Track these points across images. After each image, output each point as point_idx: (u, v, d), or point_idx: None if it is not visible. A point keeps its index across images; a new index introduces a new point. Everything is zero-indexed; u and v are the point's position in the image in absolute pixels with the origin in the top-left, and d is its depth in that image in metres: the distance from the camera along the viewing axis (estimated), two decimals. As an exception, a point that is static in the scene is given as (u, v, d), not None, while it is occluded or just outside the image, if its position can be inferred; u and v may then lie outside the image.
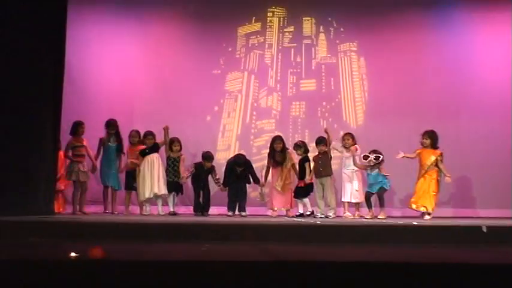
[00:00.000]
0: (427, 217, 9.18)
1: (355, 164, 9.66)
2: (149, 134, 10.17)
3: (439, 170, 9.38)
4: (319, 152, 9.82)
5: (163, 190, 9.94)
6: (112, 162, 10.18)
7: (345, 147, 9.77)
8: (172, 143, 10.10)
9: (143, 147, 10.16)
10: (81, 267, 4.62)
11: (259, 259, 5.17)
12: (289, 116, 11.30)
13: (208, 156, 10.02)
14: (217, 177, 10.02)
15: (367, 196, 9.64)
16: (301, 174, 9.89)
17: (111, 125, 10.15)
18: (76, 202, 9.93)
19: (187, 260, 5.05)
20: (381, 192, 9.55)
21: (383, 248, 6.34)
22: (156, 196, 10.00)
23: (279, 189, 9.86)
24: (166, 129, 10.07)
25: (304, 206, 9.92)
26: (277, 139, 10.01)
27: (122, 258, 5.13)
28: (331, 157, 9.81)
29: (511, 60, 11.09)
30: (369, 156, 9.48)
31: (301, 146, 9.93)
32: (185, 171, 10.03)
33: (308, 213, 9.78)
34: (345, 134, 9.92)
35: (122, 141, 10.25)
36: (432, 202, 9.33)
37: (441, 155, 9.40)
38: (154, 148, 10.09)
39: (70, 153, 9.95)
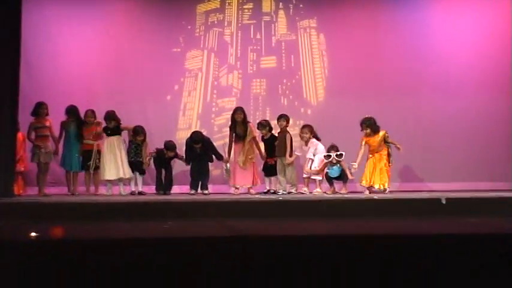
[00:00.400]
0: (383, 190, 9.35)
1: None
2: (110, 116, 10.02)
3: (389, 146, 9.54)
4: (280, 130, 9.88)
5: (127, 174, 9.93)
6: (73, 145, 10.05)
7: (304, 141, 9.84)
8: (137, 134, 9.98)
9: (98, 128, 10.06)
10: (42, 247, 4.57)
11: (221, 234, 5.18)
12: (250, 94, 11.27)
13: (170, 146, 9.99)
14: (181, 157, 10.04)
15: (327, 177, 9.75)
16: (270, 153, 9.95)
17: (71, 111, 10.03)
18: (41, 184, 9.84)
19: (150, 237, 5.04)
20: (342, 174, 9.69)
21: (345, 222, 6.42)
22: (120, 179, 9.98)
23: (241, 164, 9.81)
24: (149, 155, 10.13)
25: (270, 183, 9.99)
26: (238, 110, 9.99)
27: (83, 237, 5.10)
28: (291, 136, 9.87)
29: (471, 37, 11.27)
30: (330, 156, 9.59)
31: (265, 125, 9.96)
32: (147, 157, 10.05)
33: (272, 191, 9.83)
34: (303, 127, 9.94)
35: (83, 125, 10.07)
36: (387, 178, 9.49)
37: (386, 132, 9.57)
38: (117, 130, 9.98)
39: (32, 135, 9.83)
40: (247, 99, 10.95)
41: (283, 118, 9.93)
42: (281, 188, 9.75)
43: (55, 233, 4.97)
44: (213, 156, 9.99)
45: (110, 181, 10.01)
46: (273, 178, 9.99)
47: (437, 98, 11.15)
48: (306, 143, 9.83)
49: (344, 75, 11.24)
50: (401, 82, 11.15)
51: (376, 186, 9.48)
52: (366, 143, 9.62)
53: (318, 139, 9.82)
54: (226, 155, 10.01)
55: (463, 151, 11.03)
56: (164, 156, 9.99)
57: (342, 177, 9.66)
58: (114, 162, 9.89)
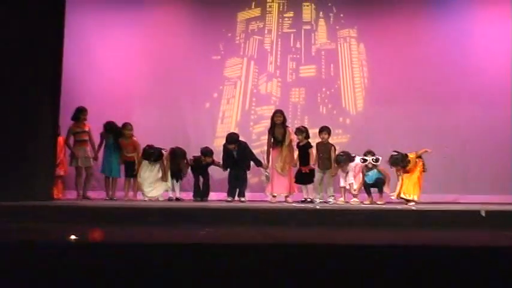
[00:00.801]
0: (411, 204, 9.15)
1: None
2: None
3: (421, 158, 9.44)
4: (323, 141, 9.82)
5: (161, 191, 10.13)
6: (113, 154, 10.17)
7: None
8: (175, 156, 10.10)
9: (135, 140, 10.19)
10: (81, 249, 4.61)
11: (258, 242, 5.16)
12: (289, 102, 11.25)
13: (207, 152, 10.05)
14: (218, 163, 10.07)
15: (365, 185, 9.66)
16: (304, 161, 9.83)
17: (108, 128, 10.14)
18: (79, 187, 10.02)
19: (186, 243, 5.04)
20: (378, 182, 9.58)
21: (382, 232, 6.35)
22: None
23: (279, 170, 9.73)
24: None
25: (306, 192, 9.84)
26: (277, 112, 9.96)
27: (121, 241, 5.12)
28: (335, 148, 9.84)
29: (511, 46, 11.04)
30: (366, 160, 9.55)
31: (303, 131, 9.87)
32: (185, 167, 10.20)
33: (309, 199, 9.69)
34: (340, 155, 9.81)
35: (120, 137, 10.17)
36: (418, 189, 9.36)
37: (415, 154, 9.41)
38: (158, 157, 10.07)
39: (71, 139, 10.02)
40: (286, 107, 10.91)
41: (325, 131, 9.81)
42: (318, 197, 9.67)
43: (94, 236, 5.00)
44: (251, 163, 9.97)
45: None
46: (309, 187, 9.84)
47: (475, 109, 10.97)
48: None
49: (383, 86, 11.15)
50: (440, 92, 11.00)
51: (406, 196, 9.33)
52: (402, 174, 9.49)
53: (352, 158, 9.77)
54: (265, 161, 9.96)
55: (501, 162, 10.81)
56: (201, 163, 10.03)
57: (378, 185, 9.55)
58: (150, 184, 10.05)
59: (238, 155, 9.83)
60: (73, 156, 9.99)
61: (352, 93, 11.37)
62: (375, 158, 9.54)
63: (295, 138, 9.89)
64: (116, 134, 10.13)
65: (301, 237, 5.64)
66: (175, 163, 10.07)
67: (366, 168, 9.60)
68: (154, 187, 10.05)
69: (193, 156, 10.13)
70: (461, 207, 8.48)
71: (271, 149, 9.89)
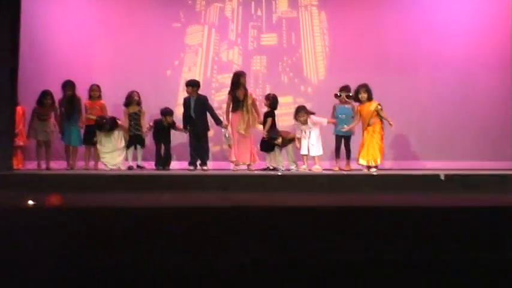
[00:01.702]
0: (373, 170, 9.25)
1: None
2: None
3: (381, 121, 9.49)
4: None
5: (120, 161, 9.99)
6: (71, 119, 9.95)
7: (301, 123, 9.70)
8: (130, 97, 10.02)
9: (103, 102, 10.07)
10: (39, 215, 4.58)
11: (219, 205, 5.19)
12: (250, 71, 11.16)
13: (167, 112, 9.99)
14: (179, 127, 10.01)
15: (337, 144, 9.74)
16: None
17: (67, 85, 9.93)
18: (40, 158, 9.88)
19: (146, 207, 5.04)
20: (347, 140, 9.70)
21: (340, 195, 6.43)
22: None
23: (243, 132, 9.62)
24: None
25: (270, 160, 9.81)
26: (244, 73, 9.96)
27: (80, 205, 5.10)
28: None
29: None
30: (340, 95, 9.70)
31: (268, 99, 9.85)
32: (145, 127, 10.06)
33: (271, 167, 9.64)
34: (299, 110, 9.75)
35: (79, 101, 10.00)
36: (378, 154, 9.44)
37: (379, 104, 9.49)
38: (113, 126, 9.94)
39: (35, 120, 9.83)
40: (247, 75, 10.87)
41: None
42: (280, 164, 9.70)
43: (52, 201, 4.96)
44: (209, 124, 9.86)
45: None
46: (272, 154, 9.80)
47: (436, 76, 11.04)
48: (304, 123, 9.75)
49: (345, 54, 11.16)
50: (401, 60, 11.05)
51: (364, 162, 9.38)
52: (359, 111, 9.55)
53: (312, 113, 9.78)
54: (225, 120, 9.87)
55: (461, 129, 10.98)
56: (163, 125, 9.96)
57: (347, 147, 9.67)
58: (110, 153, 9.95)
59: (196, 107, 9.72)
60: (34, 129, 9.80)
61: (313, 61, 11.38)
62: (347, 94, 9.66)
63: (256, 101, 9.92)
64: (74, 98, 9.93)
65: (262, 201, 5.68)
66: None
67: (339, 104, 9.73)
68: (113, 155, 9.95)
69: (154, 120, 10.07)
70: (422, 172, 8.62)
71: (231, 113, 9.78)
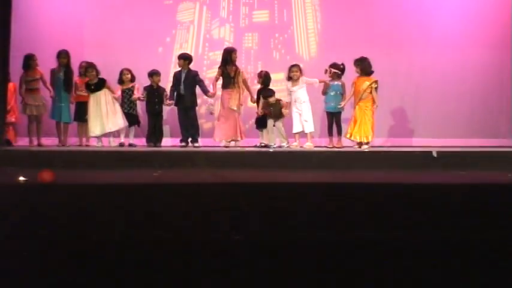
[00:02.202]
0: (365, 147, 9.25)
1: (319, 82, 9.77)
2: (89, 67, 9.82)
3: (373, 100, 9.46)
4: (269, 104, 9.68)
5: (114, 127, 9.81)
6: (62, 94, 9.85)
7: (293, 80, 9.71)
8: (122, 74, 9.93)
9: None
10: (29, 191, 4.58)
11: (210, 181, 5.20)
12: (242, 48, 11.10)
13: (154, 72, 9.90)
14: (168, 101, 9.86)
15: (329, 122, 9.71)
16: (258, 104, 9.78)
17: (62, 55, 9.84)
18: (32, 134, 9.80)
19: (138, 183, 5.05)
20: (338, 116, 9.65)
21: (335, 172, 6.45)
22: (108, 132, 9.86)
23: (235, 108, 9.54)
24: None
25: (262, 137, 9.80)
26: (235, 50, 9.89)
27: (72, 182, 5.10)
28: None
29: None
30: (330, 70, 9.65)
31: (261, 76, 9.84)
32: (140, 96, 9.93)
33: (263, 144, 9.64)
34: (293, 66, 9.83)
35: (72, 73, 9.92)
36: (370, 131, 9.42)
37: (376, 82, 9.46)
38: (100, 84, 9.78)
39: (23, 88, 9.70)
40: (239, 53, 10.66)
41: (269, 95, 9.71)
42: (272, 142, 9.67)
43: (43, 177, 4.96)
44: (197, 101, 9.88)
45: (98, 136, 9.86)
46: (265, 131, 9.77)
47: (430, 51, 11.04)
48: (296, 82, 9.71)
49: (337, 31, 11.12)
50: (394, 37, 11.01)
51: (356, 139, 9.37)
52: (354, 83, 9.50)
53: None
54: (212, 90, 9.87)
55: (454, 107, 10.99)
56: (154, 91, 9.87)
57: (338, 123, 9.63)
58: (99, 118, 9.72)
59: (186, 81, 9.67)
60: (25, 105, 9.72)
61: (305, 38, 11.35)
62: (334, 69, 9.63)
63: (248, 79, 9.92)
64: (67, 69, 9.84)
65: (253, 178, 5.69)
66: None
67: (329, 80, 9.68)
68: (99, 123, 9.73)
69: (144, 87, 9.95)
70: (414, 149, 8.65)
71: (222, 89, 9.74)
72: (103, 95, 9.78)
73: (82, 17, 11.02)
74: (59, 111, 9.88)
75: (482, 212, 4.31)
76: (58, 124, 9.98)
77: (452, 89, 11.02)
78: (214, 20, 11.26)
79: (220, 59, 10.08)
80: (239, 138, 9.71)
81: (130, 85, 9.97)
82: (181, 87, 9.71)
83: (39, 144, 9.69)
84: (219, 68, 9.78)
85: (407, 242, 3.93)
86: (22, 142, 10.12)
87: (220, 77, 9.74)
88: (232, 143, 9.73)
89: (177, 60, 9.88)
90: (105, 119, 9.74)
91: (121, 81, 9.99)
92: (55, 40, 10.56)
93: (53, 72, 9.89)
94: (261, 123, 9.84)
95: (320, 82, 9.79)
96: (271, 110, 9.62)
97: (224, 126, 9.69)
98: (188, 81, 9.72)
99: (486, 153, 8.02)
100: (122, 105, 9.87)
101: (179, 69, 9.92)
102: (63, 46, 10.11)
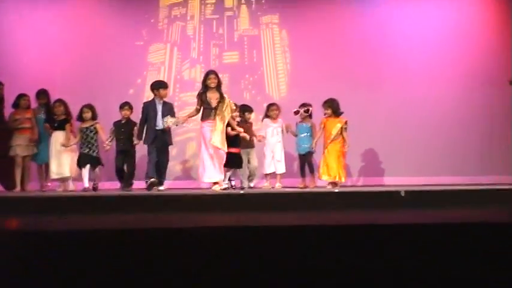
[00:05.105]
0: (336, 187, 9.28)
1: (287, 130, 9.75)
2: (57, 101, 9.51)
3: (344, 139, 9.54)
4: (245, 121, 9.54)
5: (59, 174, 9.35)
6: (42, 136, 9.60)
7: (272, 118, 9.78)
8: (82, 112, 9.27)
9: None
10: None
11: (180, 226, 5.15)
12: (213, 88, 11.21)
13: (124, 103, 9.37)
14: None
15: (301, 163, 9.74)
16: (235, 141, 8.99)
17: (41, 95, 9.69)
18: (16, 178, 9.38)
19: (101, 229, 4.99)
20: (310, 156, 9.70)
21: (307, 213, 6.43)
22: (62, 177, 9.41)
23: (219, 145, 8.53)
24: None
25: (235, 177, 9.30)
26: (211, 73, 8.87)
27: (35, 229, 5.03)
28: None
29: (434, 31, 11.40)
30: (299, 111, 9.71)
31: (249, 110, 9.69)
32: (108, 139, 9.20)
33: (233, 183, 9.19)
34: (271, 105, 9.92)
35: (52, 113, 9.59)
36: (342, 171, 9.49)
37: (346, 122, 9.55)
38: (63, 123, 9.44)
39: (12, 126, 9.47)
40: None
41: (248, 111, 9.65)
42: (245, 181, 9.50)
43: (8, 225, 4.90)
44: (172, 139, 9.17)
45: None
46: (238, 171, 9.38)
47: (397, 91, 11.29)
48: (275, 120, 9.79)
49: (306, 71, 11.32)
50: (363, 76, 11.24)
51: (328, 179, 9.42)
52: (323, 124, 9.55)
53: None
54: (185, 116, 9.06)
55: (425, 145, 11.16)
56: (121, 126, 9.26)
57: (309, 163, 9.66)
58: (55, 159, 9.34)
59: (164, 113, 8.84)
60: (11, 145, 9.40)
61: (275, 79, 11.50)
62: (305, 109, 9.67)
63: (236, 113, 9.17)
64: (48, 108, 9.64)
65: (222, 221, 5.65)
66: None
67: (299, 122, 9.75)
68: (59, 161, 9.30)
69: (113, 123, 9.38)
70: (383, 189, 8.69)
71: (201, 121, 8.82)
72: (62, 135, 9.41)
73: (54, 56, 11.09)
74: (39, 152, 9.57)
75: (453, 251, 4.33)
76: (39, 167, 9.68)
77: (424, 126, 11.19)
78: (185, 61, 11.38)
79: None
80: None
81: (90, 124, 9.30)
82: (159, 121, 8.89)
83: (24, 190, 9.36)
84: (198, 95, 8.95)
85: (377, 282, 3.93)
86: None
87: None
88: (207, 184, 9.10)
89: (156, 91, 9.00)
90: (64, 162, 9.33)
91: (80, 119, 9.34)
92: (27, 78, 10.56)
93: (33, 112, 9.69)
94: (234, 160, 9.12)
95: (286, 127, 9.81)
96: (246, 127, 9.27)
97: (211, 167, 8.70)
98: (166, 115, 8.84)
99: (459, 192, 8.07)
100: (80, 146, 9.26)
101: (149, 99, 9.24)
102: (35, 84, 10.06)
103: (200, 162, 9.00)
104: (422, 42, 11.43)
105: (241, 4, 11.45)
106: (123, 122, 9.38)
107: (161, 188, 8.87)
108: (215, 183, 8.74)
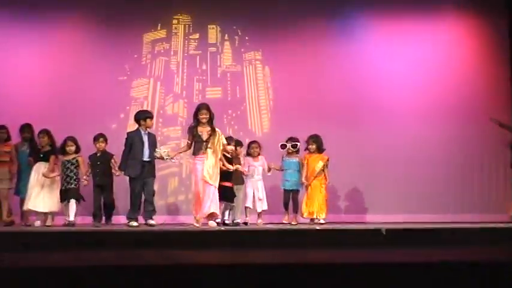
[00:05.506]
0: (317, 224, 9.32)
1: (269, 170, 9.69)
2: (41, 132, 9.38)
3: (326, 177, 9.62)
4: (237, 155, 9.48)
5: (35, 207, 9.13)
6: (25, 170, 9.44)
7: (253, 156, 9.77)
8: (65, 144, 9.16)
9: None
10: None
11: (160, 263, 5.12)
12: (195, 123, 11.22)
13: (99, 135, 9.20)
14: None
15: (285, 199, 9.72)
16: (227, 175, 8.95)
17: (26, 129, 9.60)
18: None
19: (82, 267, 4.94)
20: (296, 194, 9.70)
21: (288, 251, 6.41)
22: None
23: (209, 180, 8.31)
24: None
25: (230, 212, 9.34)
26: (202, 108, 8.58)
27: (15, 266, 4.97)
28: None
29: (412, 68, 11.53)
30: (286, 145, 9.69)
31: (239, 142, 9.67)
32: (85, 174, 9.10)
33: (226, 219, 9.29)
34: (252, 142, 9.93)
35: (37, 147, 9.47)
36: (324, 207, 9.51)
37: (328, 159, 9.60)
38: (48, 154, 9.26)
39: None
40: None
41: (237, 144, 9.52)
42: (238, 216, 9.43)
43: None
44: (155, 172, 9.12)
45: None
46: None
47: (379, 129, 11.38)
48: (256, 158, 9.74)
49: (289, 108, 11.39)
50: (346, 113, 11.33)
51: (309, 216, 9.49)
52: (306, 160, 9.60)
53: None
54: (173, 153, 8.81)
55: (406, 183, 11.21)
56: (98, 158, 9.12)
57: (294, 200, 9.64)
58: (33, 191, 9.12)
59: (150, 145, 8.75)
60: None
61: (258, 115, 11.54)
62: (293, 143, 9.66)
63: (230, 149, 9.03)
64: (32, 143, 9.53)
65: (205, 259, 5.63)
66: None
67: (286, 156, 9.74)
68: (39, 198, 9.07)
69: (89, 156, 9.23)
70: (364, 227, 8.70)
71: (193, 155, 8.62)
72: (45, 167, 9.23)
73: (36, 90, 11.06)
74: (25, 187, 9.34)
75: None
76: (22, 201, 9.42)
77: (407, 163, 11.26)
78: (168, 96, 11.40)
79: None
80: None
81: (72, 157, 9.19)
82: (145, 152, 8.80)
83: (6, 224, 9.19)
84: (189, 129, 8.79)
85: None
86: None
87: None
88: (213, 224, 8.59)
89: (142, 121, 8.91)
90: (42, 196, 9.13)
91: (63, 151, 9.24)
92: (8, 110, 10.52)
93: (16, 147, 9.61)
94: (226, 194, 9.00)
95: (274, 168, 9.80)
96: (238, 161, 9.30)
97: (201, 202, 8.47)
98: (151, 146, 8.73)
99: (440, 230, 8.10)
100: (61, 180, 9.16)
101: (134, 129, 9.10)
102: (17, 117, 10.03)
103: (194, 198, 8.85)
104: (404, 80, 11.58)
105: (225, 40, 11.55)
106: (98, 154, 9.30)
107: (153, 222, 8.77)
108: (210, 217, 8.51)
